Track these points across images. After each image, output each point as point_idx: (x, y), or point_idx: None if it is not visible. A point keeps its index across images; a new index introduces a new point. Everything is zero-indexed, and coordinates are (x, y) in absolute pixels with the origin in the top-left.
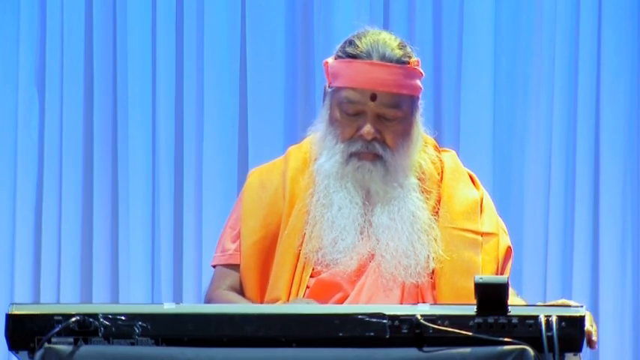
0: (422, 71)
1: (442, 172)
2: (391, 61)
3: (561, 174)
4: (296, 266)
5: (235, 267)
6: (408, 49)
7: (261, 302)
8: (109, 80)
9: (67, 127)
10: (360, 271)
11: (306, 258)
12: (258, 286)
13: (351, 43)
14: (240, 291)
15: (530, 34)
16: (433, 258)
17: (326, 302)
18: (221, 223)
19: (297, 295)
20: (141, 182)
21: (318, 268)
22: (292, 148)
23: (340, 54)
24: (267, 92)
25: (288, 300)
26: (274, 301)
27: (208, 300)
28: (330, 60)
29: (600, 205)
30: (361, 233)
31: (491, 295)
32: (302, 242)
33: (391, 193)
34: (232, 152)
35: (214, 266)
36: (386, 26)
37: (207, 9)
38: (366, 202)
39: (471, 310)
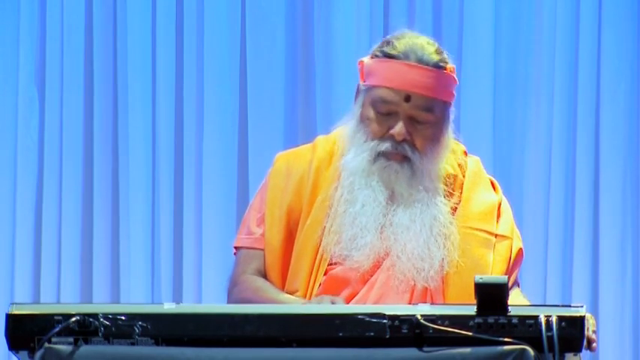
0: (456, 78)
1: (464, 175)
2: (428, 65)
3: (561, 174)
4: (315, 259)
5: (260, 250)
6: (445, 55)
7: (283, 289)
8: (109, 80)
9: (67, 127)
10: (373, 269)
11: (324, 252)
12: (281, 272)
13: (388, 43)
14: (265, 275)
15: (530, 34)
16: (448, 262)
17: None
18: (221, 223)
19: (313, 289)
20: (141, 182)
21: (334, 262)
22: (320, 138)
23: (377, 53)
24: (267, 92)
25: (306, 294)
26: (292, 293)
27: (234, 284)
28: (366, 59)
29: (600, 205)
30: (381, 233)
31: (491, 295)
32: (322, 235)
33: (415, 195)
34: (232, 152)
35: (237, 247)
36: (386, 26)
37: (207, 9)
38: (389, 202)
39: (471, 310)
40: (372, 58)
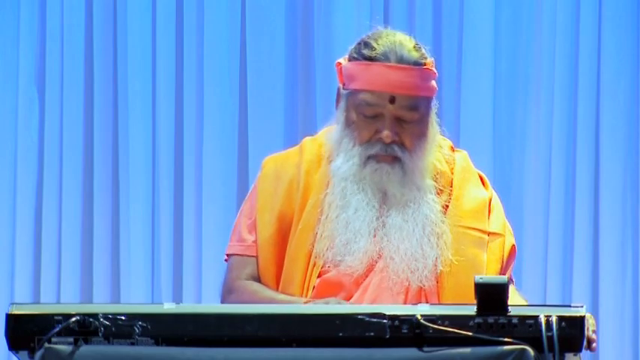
0: (436, 71)
1: (453, 171)
2: (409, 64)
3: (561, 174)
4: (307, 264)
5: (253, 257)
6: (423, 50)
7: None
8: (109, 80)
9: (67, 127)
10: (367, 272)
11: (316, 257)
12: (275, 277)
13: (366, 44)
14: (259, 281)
15: (530, 34)
16: (441, 261)
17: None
18: (221, 223)
19: (307, 293)
20: (141, 182)
21: (327, 266)
22: (307, 140)
23: (356, 56)
24: (267, 92)
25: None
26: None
27: (229, 290)
28: (344, 61)
29: (600, 205)
30: (374, 236)
31: (491, 295)
32: (314, 240)
33: (408, 195)
34: (232, 152)
35: (229, 254)
36: (386, 26)
37: (207, 9)
38: (383, 205)
39: (471, 310)
40: (350, 60)
